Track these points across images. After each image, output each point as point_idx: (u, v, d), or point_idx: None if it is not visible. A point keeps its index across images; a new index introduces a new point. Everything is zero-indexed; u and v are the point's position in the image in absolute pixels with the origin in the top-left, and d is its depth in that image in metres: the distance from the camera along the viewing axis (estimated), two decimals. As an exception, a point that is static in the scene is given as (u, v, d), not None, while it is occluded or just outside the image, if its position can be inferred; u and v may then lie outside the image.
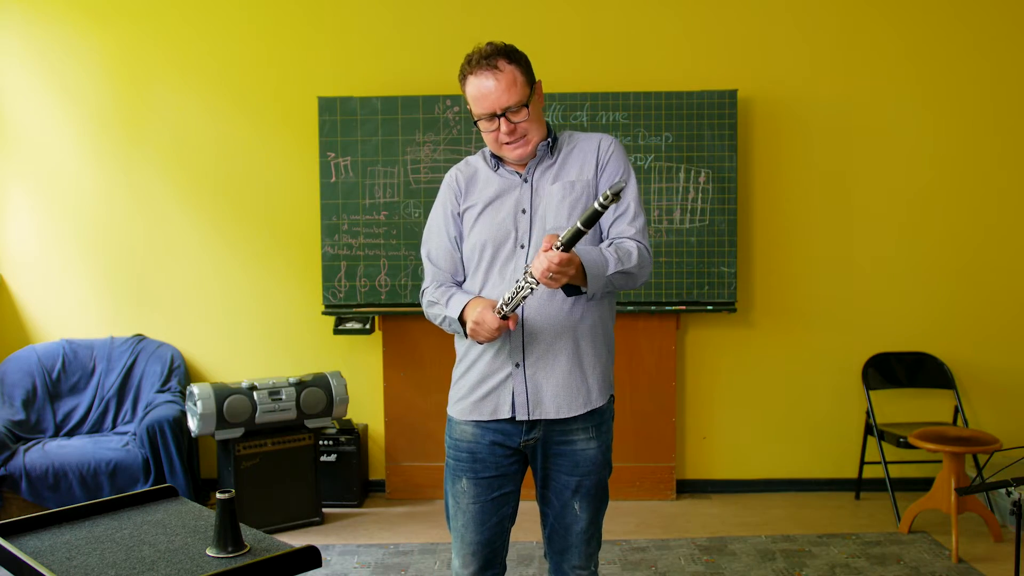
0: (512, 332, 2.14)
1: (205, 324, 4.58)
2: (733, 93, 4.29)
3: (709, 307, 4.34)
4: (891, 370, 4.46)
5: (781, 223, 4.51)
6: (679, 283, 4.33)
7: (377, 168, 4.31)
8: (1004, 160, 4.48)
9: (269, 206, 4.53)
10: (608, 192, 1.83)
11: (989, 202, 4.50)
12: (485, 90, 2.12)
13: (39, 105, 4.50)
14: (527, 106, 2.14)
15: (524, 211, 2.19)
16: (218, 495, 1.66)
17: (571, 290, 2.09)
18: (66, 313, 4.57)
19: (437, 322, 2.25)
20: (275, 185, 4.53)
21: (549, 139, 2.23)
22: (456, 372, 2.29)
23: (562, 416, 2.16)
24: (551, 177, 2.21)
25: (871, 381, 4.41)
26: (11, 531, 1.76)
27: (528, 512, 2.55)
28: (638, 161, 4.30)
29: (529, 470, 2.29)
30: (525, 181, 2.22)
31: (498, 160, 2.25)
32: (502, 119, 2.13)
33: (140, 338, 4.53)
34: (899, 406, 4.52)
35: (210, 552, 1.65)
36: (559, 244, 1.94)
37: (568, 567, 2.27)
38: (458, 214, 2.26)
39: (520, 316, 2.14)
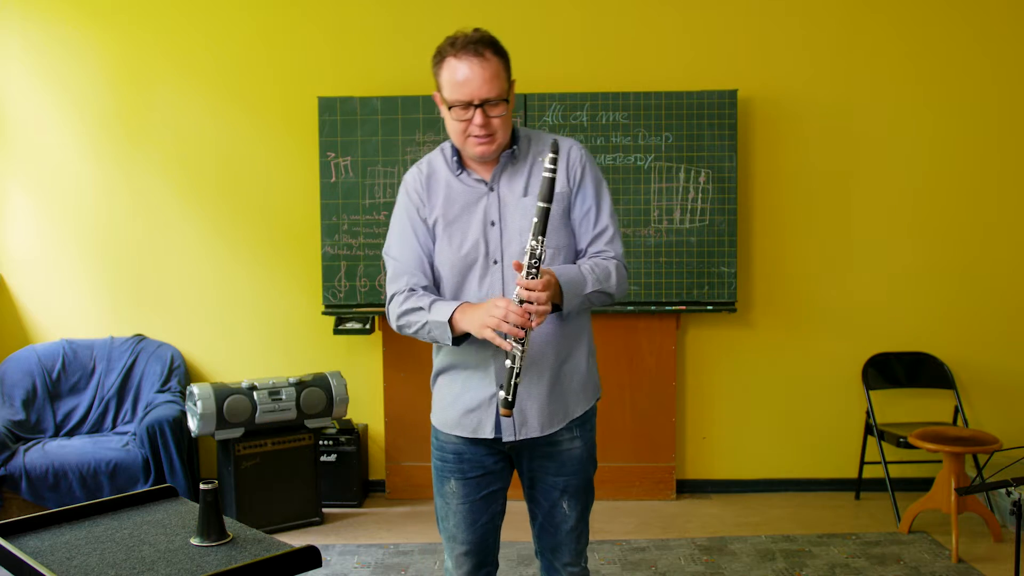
0: (494, 356, 2.09)
1: (205, 324, 4.58)
2: (733, 93, 4.29)
3: (709, 307, 4.34)
4: (891, 370, 4.46)
5: (781, 223, 4.51)
6: (679, 283, 4.33)
7: (377, 168, 4.31)
8: (1004, 160, 4.48)
9: (269, 206, 4.54)
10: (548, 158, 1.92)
11: (989, 202, 4.50)
12: (466, 76, 2.00)
13: (39, 105, 4.50)
14: (506, 101, 2.05)
15: (493, 223, 2.11)
16: (202, 486, 1.69)
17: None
18: (66, 313, 4.57)
19: (411, 330, 2.12)
20: (275, 185, 4.53)
21: (514, 147, 2.14)
22: (435, 385, 2.25)
23: (546, 433, 2.16)
24: (521, 187, 2.12)
25: (871, 381, 4.41)
26: (11, 531, 1.76)
27: (526, 512, 2.55)
28: (638, 161, 4.30)
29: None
30: (491, 190, 2.13)
31: (460, 162, 2.15)
32: (478, 110, 2.01)
33: (140, 338, 4.53)
34: (899, 406, 4.52)
35: (194, 541, 1.70)
36: (527, 272, 1.93)
37: (559, 564, 2.27)
38: (424, 219, 2.17)
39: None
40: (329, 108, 4.30)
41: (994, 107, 4.45)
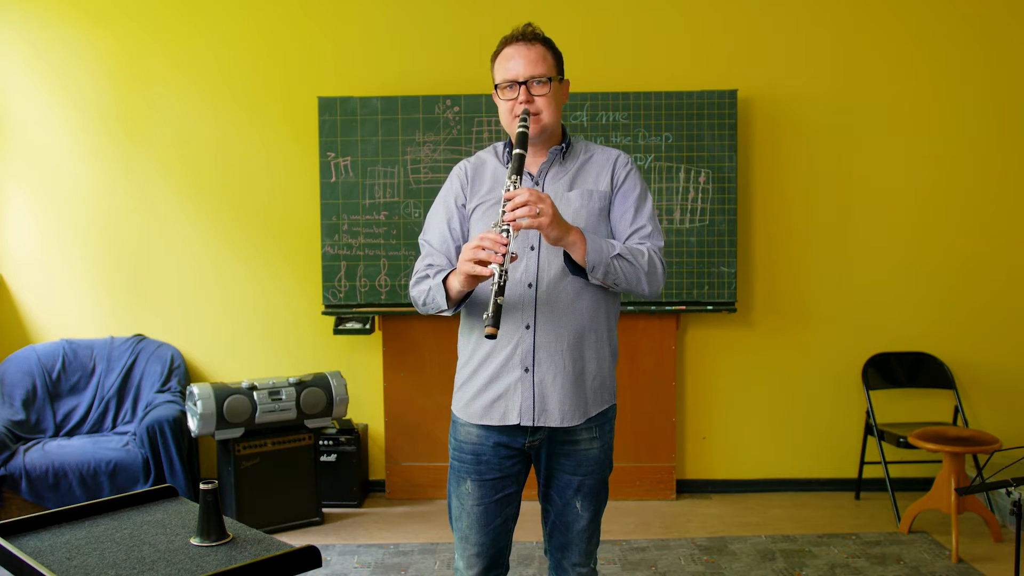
0: (519, 342, 2.12)
1: (205, 324, 4.58)
2: (733, 93, 4.29)
3: (709, 307, 4.34)
4: (891, 370, 4.46)
5: (781, 223, 4.51)
6: (679, 283, 4.33)
7: (377, 168, 4.31)
8: (1004, 160, 4.48)
9: (269, 206, 4.53)
10: None
11: (989, 202, 4.50)
12: (514, 56, 2.16)
13: (39, 105, 4.50)
14: (551, 81, 2.16)
15: None
16: (202, 486, 1.69)
17: (575, 268, 2.09)
18: (66, 313, 4.57)
19: (421, 301, 2.19)
20: (275, 185, 4.53)
21: (563, 144, 2.23)
22: (461, 375, 2.26)
23: (565, 425, 2.16)
24: (566, 183, 2.20)
25: (871, 381, 4.41)
26: (11, 531, 1.76)
27: (528, 512, 2.55)
28: (638, 161, 4.30)
29: (532, 469, 2.29)
30: (536, 183, 2.20)
31: (511, 155, 2.22)
32: (523, 87, 2.14)
33: (140, 338, 4.53)
34: (899, 406, 4.52)
35: (194, 541, 1.69)
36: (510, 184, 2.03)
37: (568, 564, 2.28)
38: (463, 205, 2.23)
39: (533, 321, 2.12)
40: (329, 108, 4.30)
41: (994, 107, 4.45)
